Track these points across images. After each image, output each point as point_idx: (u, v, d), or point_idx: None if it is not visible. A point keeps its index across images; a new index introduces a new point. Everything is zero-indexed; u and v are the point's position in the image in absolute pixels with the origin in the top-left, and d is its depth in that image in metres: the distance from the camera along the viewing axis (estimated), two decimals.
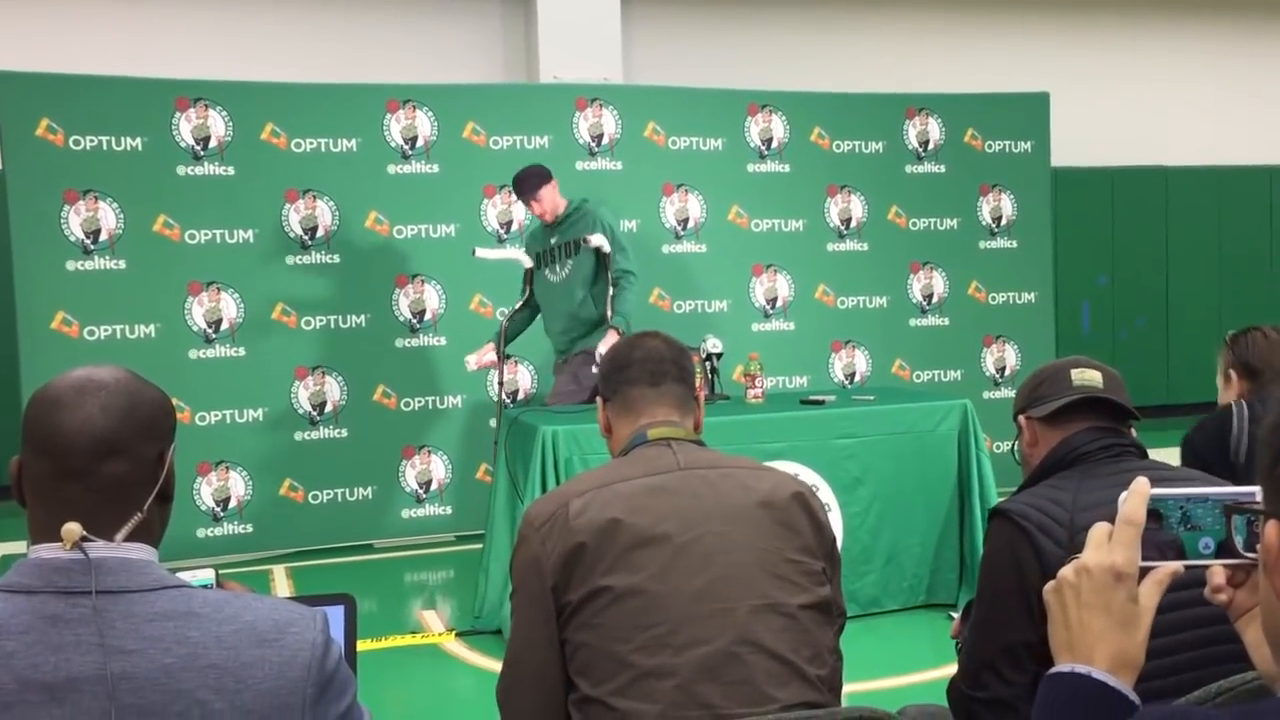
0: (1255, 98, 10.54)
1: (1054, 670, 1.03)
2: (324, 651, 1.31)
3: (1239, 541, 1.03)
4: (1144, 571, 1.03)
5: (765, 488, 1.87)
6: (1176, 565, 1.04)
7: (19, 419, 1.37)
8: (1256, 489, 0.97)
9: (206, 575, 1.61)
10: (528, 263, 5.31)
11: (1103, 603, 1.01)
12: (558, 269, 5.32)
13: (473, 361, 5.37)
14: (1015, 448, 2.15)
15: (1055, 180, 7.83)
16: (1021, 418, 2.10)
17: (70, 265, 5.76)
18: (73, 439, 1.27)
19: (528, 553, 1.81)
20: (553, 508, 1.82)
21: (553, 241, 5.34)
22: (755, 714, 1.61)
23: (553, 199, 5.31)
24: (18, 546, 6.09)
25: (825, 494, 4.53)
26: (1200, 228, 10.00)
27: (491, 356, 5.27)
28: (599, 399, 2.09)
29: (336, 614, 1.67)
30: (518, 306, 5.40)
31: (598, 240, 5.10)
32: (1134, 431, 2.06)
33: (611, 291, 5.06)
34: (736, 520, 1.81)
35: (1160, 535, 1.04)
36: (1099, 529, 1.05)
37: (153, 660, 1.22)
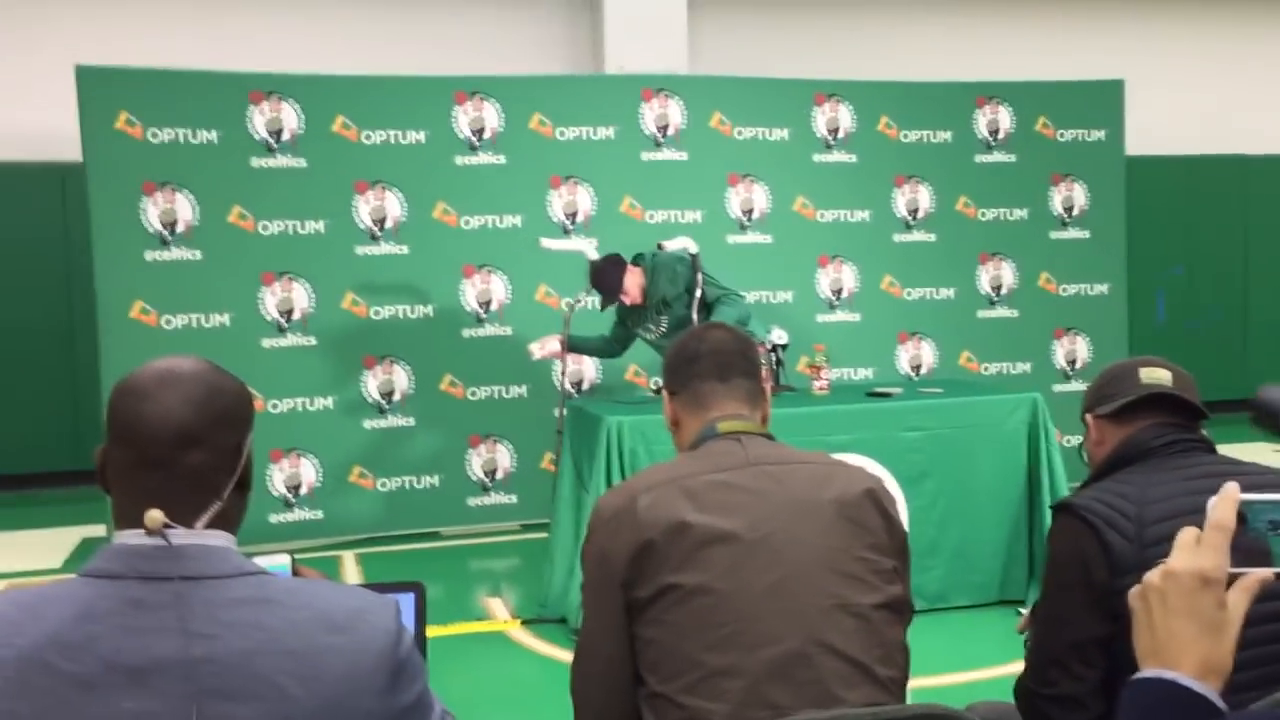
0: None
1: (1140, 675, 1.01)
2: (397, 639, 1.33)
3: None
4: (1232, 578, 1.01)
5: (837, 484, 1.84)
6: (1267, 572, 1.01)
7: (100, 405, 1.41)
8: None
9: (283, 561, 1.64)
10: (593, 255, 5.24)
11: (1190, 608, 0.99)
12: (652, 328, 5.13)
13: (536, 350, 5.32)
14: (1082, 447, 2.13)
15: (1129, 169, 7.66)
16: (1088, 416, 2.08)
17: (149, 255, 5.90)
18: (155, 429, 1.30)
19: (596, 546, 1.81)
20: (621, 501, 1.81)
21: (645, 307, 5.11)
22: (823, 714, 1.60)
23: (636, 282, 5.03)
24: (98, 529, 6.26)
25: (890, 487, 4.48)
26: None
27: (555, 347, 5.25)
28: (665, 392, 2.06)
29: (407, 601, 1.69)
30: (579, 301, 5.26)
31: (679, 243, 4.90)
32: (1204, 430, 2.03)
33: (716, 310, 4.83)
34: (806, 517, 1.79)
35: (1247, 540, 1.02)
36: (1187, 533, 1.03)
37: (231, 645, 1.25)
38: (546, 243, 5.49)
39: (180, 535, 1.29)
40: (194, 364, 1.37)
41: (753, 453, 1.87)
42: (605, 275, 5.01)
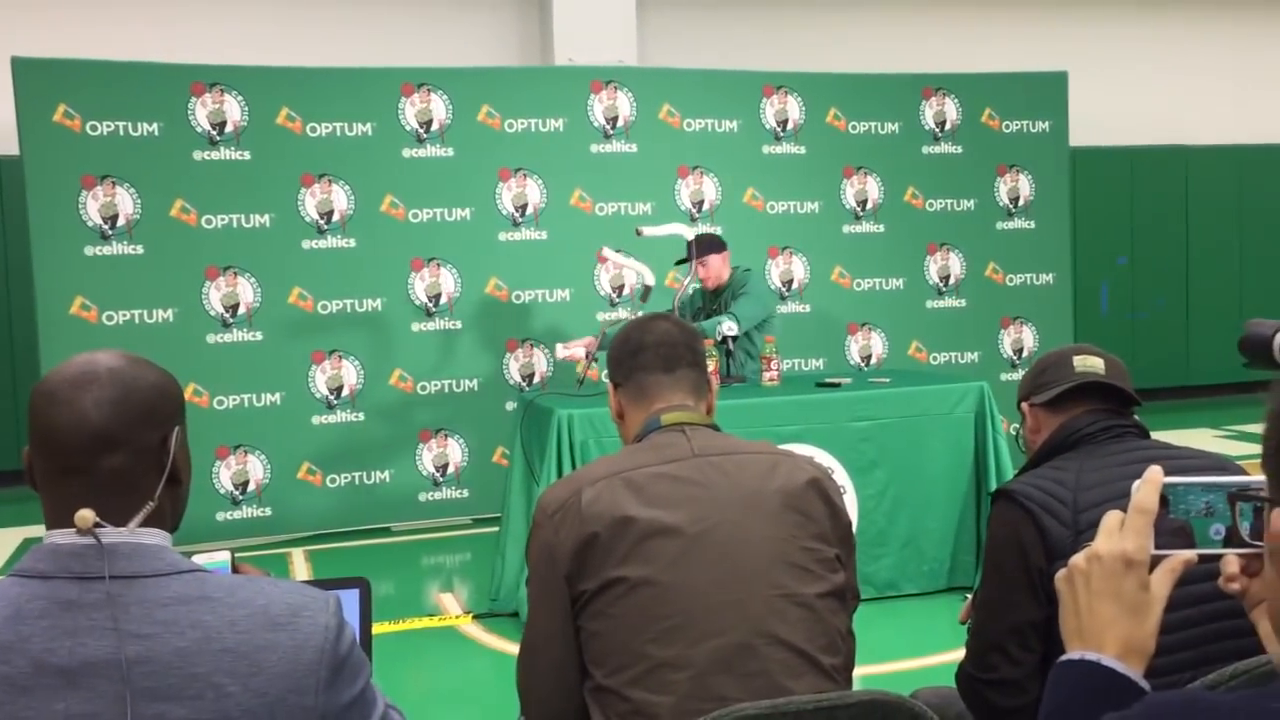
0: (1276, 76, 10.43)
1: (1064, 658, 1.02)
2: (337, 635, 1.31)
3: (1245, 529, 1.02)
4: (1157, 560, 1.03)
5: (781, 474, 1.84)
6: (1190, 554, 1.03)
7: None
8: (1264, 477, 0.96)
9: (222, 558, 1.62)
10: (689, 234, 5.30)
11: (1113, 590, 1.01)
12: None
13: (561, 350, 5.28)
14: (1019, 435, 2.16)
15: (1074, 160, 7.77)
16: (1024, 405, 2.11)
17: (89, 250, 5.79)
18: (68, 436, 1.27)
19: (541, 540, 1.80)
20: (565, 495, 1.79)
21: (714, 306, 5.32)
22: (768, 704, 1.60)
23: (719, 270, 5.26)
24: (39, 530, 6.15)
25: (840, 476, 4.52)
26: (1221, 207, 9.92)
27: (579, 352, 5.21)
28: (610, 384, 2.04)
29: (351, 597, 1.67)
30: (619, 318, 5.39)
31: (671, 229, 5.07)
32: (1136, 416, 2.07)
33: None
34: (751, 509, 1.78)
35: (1171, 523, 1.03)
36: (1111, 516, 1.04)
37: (167, 644, 1.22)
38: (647, 230, 5.46)
39: (111, 534, 1.26)
40: (110, 360, 1.32)
41: (697, 444, 1.86)
42: (702, 240, 5.26)
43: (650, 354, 1.97)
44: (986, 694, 1.87)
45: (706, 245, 5.27)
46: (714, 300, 5.33)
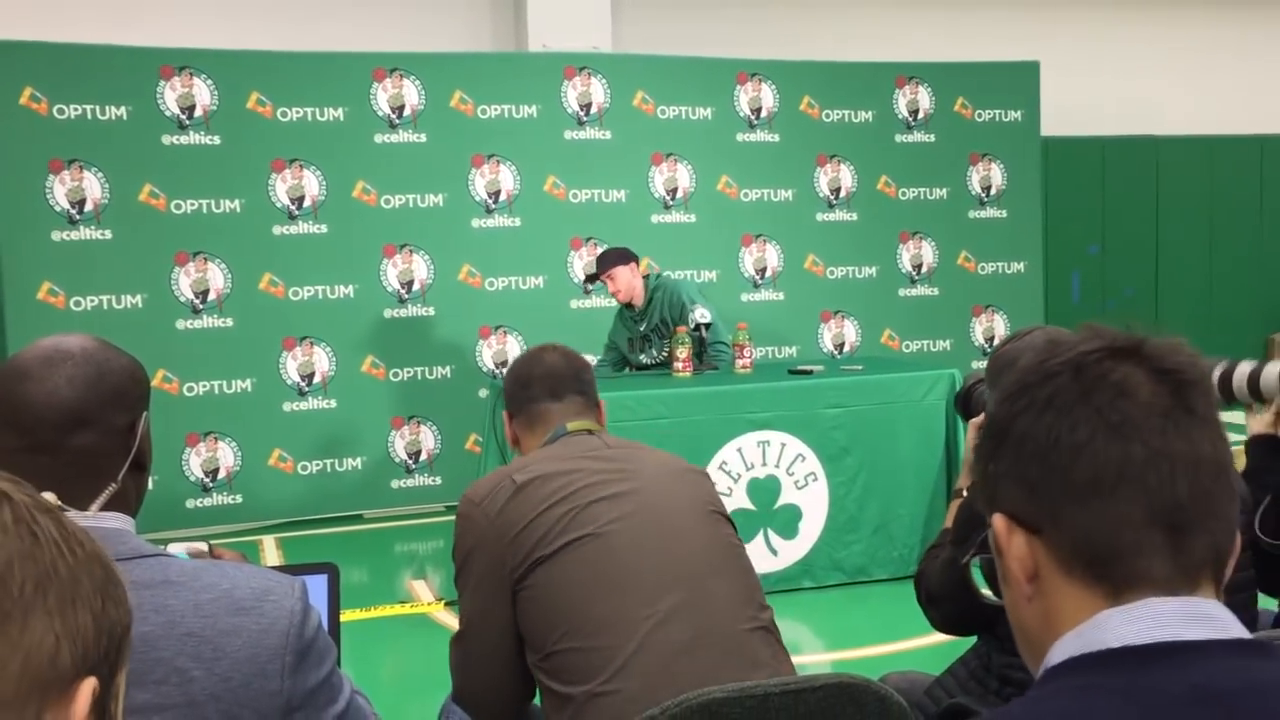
0: (1246, 67, 10.51)
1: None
2: (302, 619, 1.30)
3: None
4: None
5: (681, 460, 2.06)
6: None
7: None
8: None
9: (200, 549, 1.61)
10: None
11: None
12: (654, 354, 5.24)
13: None
14: None
15: (1045, 149, 7.80)
16: None
17: (56, 235, 5.73)
18: (39, 412, 1.26)
19: (472, 527, 1.88)
20: (493, 482, 1.91)
21: (641, 329, 5.24)
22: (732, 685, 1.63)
23: (629, 282, 5.13)
24: None
25: (812, 463, 4.55)
26: (1191, 197, 9.99)
27: None
28: (505, 414, 2.17)
29: (320, 583, 1.67)
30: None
31: (700, 314, 4.95)
32: None
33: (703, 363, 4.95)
34: (670, 476, 1.97)
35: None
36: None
37: (131, 630, 1.21)
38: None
39: (73, 519, 1.25)
40: (82, 342, 1.33)
41: (608, 440, 2.02)
42: (604, 254, 5.24)
43: (539, 386, 2.10)
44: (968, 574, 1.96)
45: (612, 259, 5.16)
46: (641, 318, 5.23)
